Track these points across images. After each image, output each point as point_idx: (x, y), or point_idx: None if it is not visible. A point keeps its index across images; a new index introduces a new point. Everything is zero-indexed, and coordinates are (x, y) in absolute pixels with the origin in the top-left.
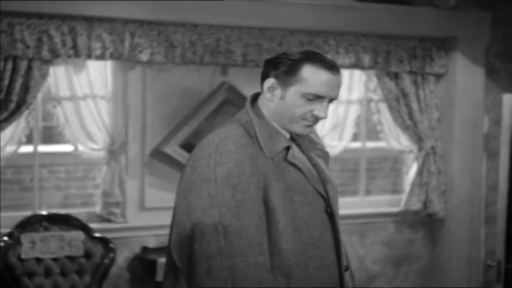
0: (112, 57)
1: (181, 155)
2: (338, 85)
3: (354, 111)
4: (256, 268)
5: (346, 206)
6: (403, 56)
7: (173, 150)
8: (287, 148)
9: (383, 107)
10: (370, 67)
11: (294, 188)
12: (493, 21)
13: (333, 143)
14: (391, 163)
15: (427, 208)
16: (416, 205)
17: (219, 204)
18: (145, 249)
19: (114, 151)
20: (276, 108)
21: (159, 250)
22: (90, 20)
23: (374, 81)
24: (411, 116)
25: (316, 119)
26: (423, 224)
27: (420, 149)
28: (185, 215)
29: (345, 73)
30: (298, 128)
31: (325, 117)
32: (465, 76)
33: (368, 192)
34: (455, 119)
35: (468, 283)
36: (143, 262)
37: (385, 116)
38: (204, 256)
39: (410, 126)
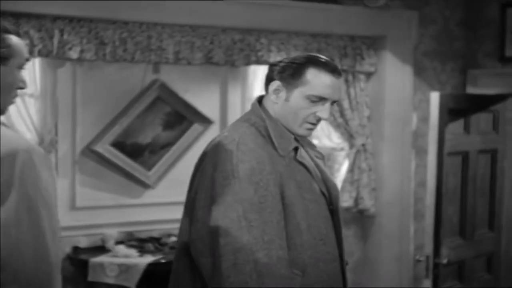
0: (40, 54)
1: (112, 154)
2: (340, 88)
3: None
4: (277, 262)
5: None
6: (334, 54)
7: (105, 148)
8: (296, 149)
9: None
10: None
11: (304, 186)
12: (421, 20)
13: None
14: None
15: (358, 205)
16: (348, 202)
17: (243, 200)
18: (76, 249)
19: (43, 149)
20: (280, 110)
21: (91, 250)
22: (17, 17)
23: None
24: (342, 114)
25: (318, 120)
26: (354, 220)
27: (351, 146)
28: (207, 211)
29: None
30: (300, 130)
31: (327, 118)
32: (394, 74)
33: None
34: (384, 116)
35: (398, 277)
36: (74, 262)
37: None
38: (230, 250)
39: (341, 124)
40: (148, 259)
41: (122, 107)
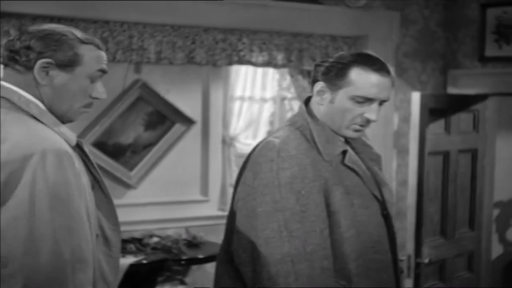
0: None
1: (94, 154)
2: (387, 87)
3: (268, 109)
4: (321, 273)
5: None
6: (316, 54)
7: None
8: (344, 152)
9: (297, 105)
10: (283, 65)
11: (353, 192)
12: (402, 20)
13: (248, 141)
14: None
15: None
16: None
17: (284, 209)
18: None
19: None
20: (326, 112)
21: None
22: None
23: (288, 79)
24: None
25: (367, 122)
26: None
27: None
28: (248, 221)
29: (259, 71)
30: (348, 132)
31: (375, 120)
32: None
33: None
34: None
35: None
36: None
37: None
38: (271, 261)
39: None
40: (130, 260)
41: (104, 107)
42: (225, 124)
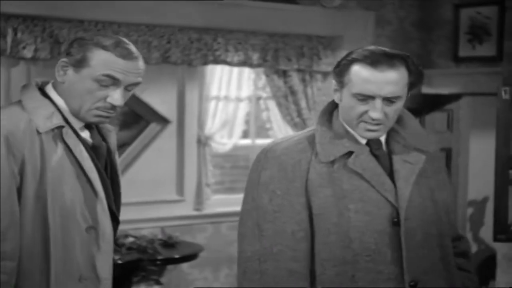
0: None
1: None
2: (389, 82)
3: (243, 108)
4: (288, 275)
5: (236, 203)
6: (291, 54)
7: None
8: (350, 153)
9: (272, 104)
10: (259, 65)
11: (351, 196)
12: (377, 21)
13: (223, 141)
14: None
15: None
16: None
17: (258, 208)
18: None
19: None
20: (340, 110)
21: None
22: None
23: (263, 78)
24: (299, 113)
25: (373, 120)
26: None
27: None
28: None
29: (234, 71)
30: (360, 131)
31: (379, 118)
32: None
33: None
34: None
35: None
36: None
37: (274, 113)
38: (242, 259)
39: (298, 123)
40: None
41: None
42: (201, 124)
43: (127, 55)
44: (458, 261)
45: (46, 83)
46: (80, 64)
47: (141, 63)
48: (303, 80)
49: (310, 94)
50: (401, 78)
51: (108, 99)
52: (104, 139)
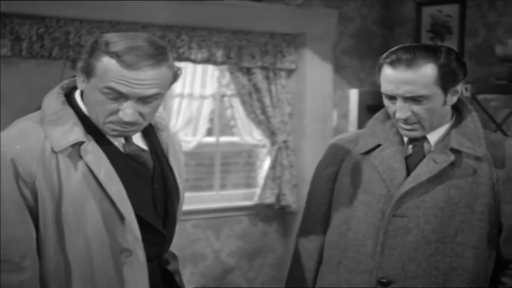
0: None
1: None
2: (407, 81)
3: (207, 106)
4: (302, 252)
5: (201, 200)
6: (255, 51)
7: None
8: (378, 146)
9: (236, 102)
10: (222, 62)
11: (363, 186)
12: (340, 18)
13: (187, 138)
14: (245, 158)
15: (280, 201)
16: (270, 199)
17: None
18: None
19: None
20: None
21: None
22: None
23: (227, 76)
24: (264, 111)
25: (404, 120)
26: (276, 217)
27: (273, 143)
28: None
29: (198, 68)
30: (400, 130)
31: (403, 118)
32: (314, 71)
33: (223, 187)
34: (305, 113)
35: None
36: None
37: (238, 111)
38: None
39: (263, 120)
40: None
41: (41, 104)
42: None
43: (133, 65)
44: (509, 283)
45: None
46: (88, 72)
47: (152, 72)
48: (267, 78)
49: (274, 91)
50: (422, 76)
51: (119, 114)
52: (153, 141)
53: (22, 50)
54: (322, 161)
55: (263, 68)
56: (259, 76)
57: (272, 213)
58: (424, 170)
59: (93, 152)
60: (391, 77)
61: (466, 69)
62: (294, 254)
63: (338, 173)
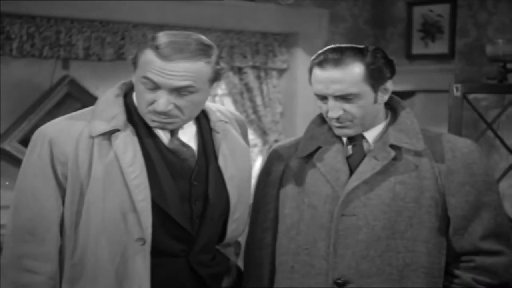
0: None
1: (20, 151)
2: (335, 80)
3: None
4: (253, 262)
5: None
6: (247, 51)
7: (12, 146)
8: (319, 148)
9: (228, 101)
10: None
11: (308, 189)
12: (332, 18)
13: None
14: None
15: None
16: None
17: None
18: None
19: None
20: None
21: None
22: None
23: None
24: (255, 111)
25: (337, 119)
26: None
27: (264, 142)
28: None
29: None
30: (334, 130)
31: (335, 117)
32: (306, 71)
33: None
34: (297, 113)
35: None
36: None
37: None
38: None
39: (254, 120)
40: None
41: (31, 104)
42: None
43: (169, 56)
44: (464, 276)
45: None
46: (134, 63)
47: (186, 65)
48: (259, 77)
49: (266, 91)
50: (350, 74)
51: (154, 104)
52: (205, 141)
53: (12, 50)
54: (264, 168)
55: (254, 67)
56: (250, 75)
57: None
58: (366, 168)
59: (123, 139)
60: (320, 77)
61: (394, 67)
62: (246, 265)
63: (282, 178)
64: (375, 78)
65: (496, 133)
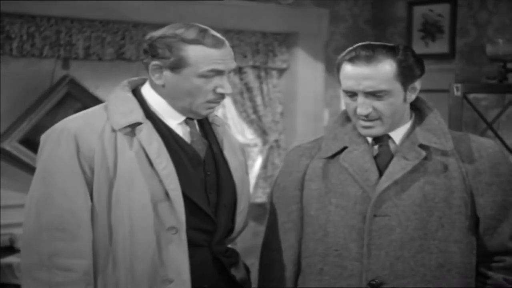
0: None
1: (20, 151)
2: (367, 76)
3: None
4: (273, 264)
5: None
6: (247, 51)
7: (12, 146)
8: (345, 148)
9: (228, 101)
10: None
11: (335, 190)
12: (332, 18)
13: None
14: None
15: None
16: (261, 198)
17: (271, 200)
18: None
19: None
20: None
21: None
22: None
23: None
24: (255, 110)
25: (365, 116)
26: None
27: (264, 142)
28: None
29: None
30: (359, 128)
31: (364, 114)
32: (306, 71)
33: None
34: (297, 112)
35: None
36: None
37: (229, 110)
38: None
39: (254, 120)
40: None
41: (31, 104)
42: None
43: (217, 44)
44: (495, 277)
45: (144, 81)
46: (178, 65)
47: (230, 47)
48: (259, 77)
49: (266, 90)
50: (381, 71)
51: (219, 90)
52: (207, 135)
53: (12, 49)
54: (284, 169)
55: (254, 67)
56: (250, 75)
57: (264, 213)
58: (397, 168)
59: (147, 132)
60: (352, 73)
61: (423, 66)
62: (264, 267)
63: (304, 179)
64: (405, 76)
65: (496, 133)
